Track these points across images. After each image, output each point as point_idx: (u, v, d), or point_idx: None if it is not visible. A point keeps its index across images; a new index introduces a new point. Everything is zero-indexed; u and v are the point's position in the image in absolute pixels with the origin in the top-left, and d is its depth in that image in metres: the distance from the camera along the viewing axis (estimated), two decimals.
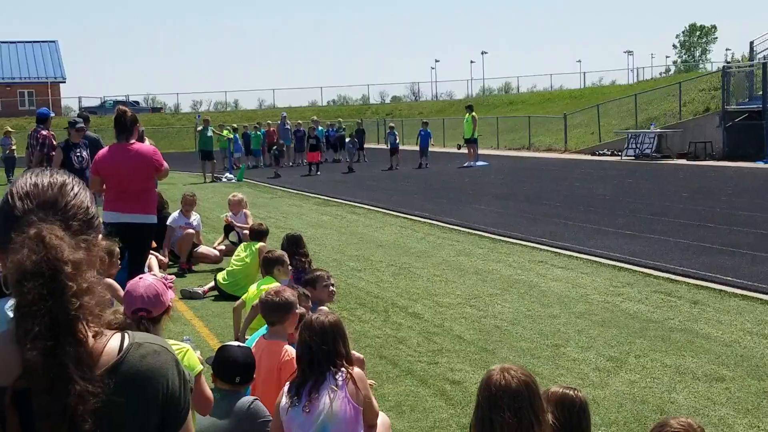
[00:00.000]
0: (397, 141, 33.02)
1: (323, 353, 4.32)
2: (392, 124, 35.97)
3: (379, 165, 33.40)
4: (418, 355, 7.38)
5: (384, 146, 37.56)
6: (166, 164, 8.68)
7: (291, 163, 36.72)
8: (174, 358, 1.84)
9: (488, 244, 13.34)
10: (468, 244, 13.39)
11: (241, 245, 10.58)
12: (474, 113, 32.56)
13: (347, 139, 33.93)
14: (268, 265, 7.74)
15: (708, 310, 8.57)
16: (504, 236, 14.02)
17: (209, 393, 4.49)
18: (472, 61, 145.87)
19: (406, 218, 16.94)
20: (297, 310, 5.45)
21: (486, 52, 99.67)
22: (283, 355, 5.20)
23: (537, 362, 6.99)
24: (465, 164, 31.38)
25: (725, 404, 5.91)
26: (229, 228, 12.52)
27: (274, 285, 6.61)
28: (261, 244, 10.18)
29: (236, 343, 5.23)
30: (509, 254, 12.35)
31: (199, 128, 30.50)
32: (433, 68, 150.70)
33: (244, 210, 12.52)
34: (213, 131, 30.15)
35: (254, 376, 5.00)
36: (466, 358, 7.21)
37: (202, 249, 12.24)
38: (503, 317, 8.59)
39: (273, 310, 5.41)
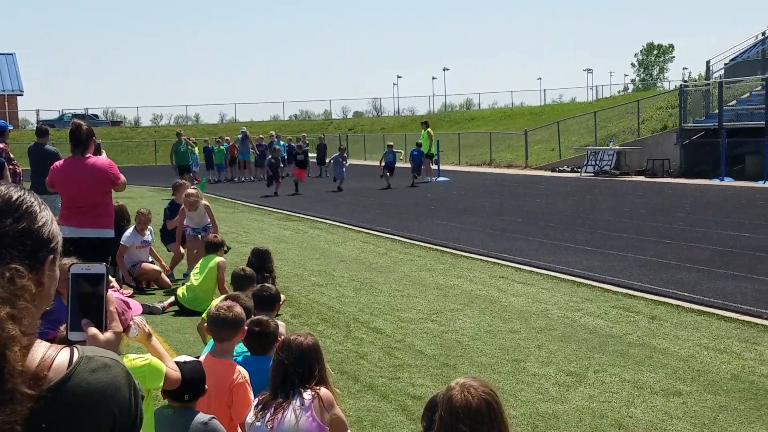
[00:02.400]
0: (396, 160, 30.73)
1: (297, 374, 4.32)
2: (391, 143, 32.61)
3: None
4: (380, 370, 7.38)
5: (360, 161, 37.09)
6: (123, 177, 8.56)
7: (252, 178, 36.66)
8: (125, 372, 1.80)
9: (450, 260, 13.39)
10: (430, 260, 13.44)
11: (201, 260, 10.47)
12: (429, 129, 32.72)
13: (336, 154, 30.40)
14: (242, 283, 7.72)
15: (666, 325, 8.67)
16: (465, 251, 14.08)
17: (175, 374, 4.37)
18: (434, 78, 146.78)
19: (368, 233, 16.96)
20: (246, 327, 5.39)
21: (448, 69, 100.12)
22: (236, 376, 5.06)
23: (497, 377, 7.02)
24: (425, 180, 31.50)
25: (682, 418, 5.98)
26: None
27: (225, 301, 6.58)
28: (220, 259, 10.12)
29: (182, 359, 5.04)
30: (470, 269, 12.40)
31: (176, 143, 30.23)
32: (395, 84, 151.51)
33: (203, 202, 11.75)
34: (188, 142, 29.94)
35: (202, 393, 4.86)
36: (428, 373, 7.23)
37: (145, 265, 11.98)
38: (464, 332, 8.63)
39: (224, 326, 5.24)
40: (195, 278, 10.10)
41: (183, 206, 11.82)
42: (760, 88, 31.53)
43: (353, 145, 59.25)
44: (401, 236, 16.23)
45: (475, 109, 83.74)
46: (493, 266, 12.67)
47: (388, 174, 29.25)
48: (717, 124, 30.67)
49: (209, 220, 11.73)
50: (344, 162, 29.96)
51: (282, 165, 38.48)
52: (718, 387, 6.62)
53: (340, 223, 18.83)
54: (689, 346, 7.81)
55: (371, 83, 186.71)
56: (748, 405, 6.18)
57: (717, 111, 31.21)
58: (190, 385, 4.68)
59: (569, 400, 6.44)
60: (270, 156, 29.33)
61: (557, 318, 9.14)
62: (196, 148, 35.85)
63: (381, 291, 10.96)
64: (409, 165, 32.01)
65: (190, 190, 11.82)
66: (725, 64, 35.42)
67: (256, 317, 5.71)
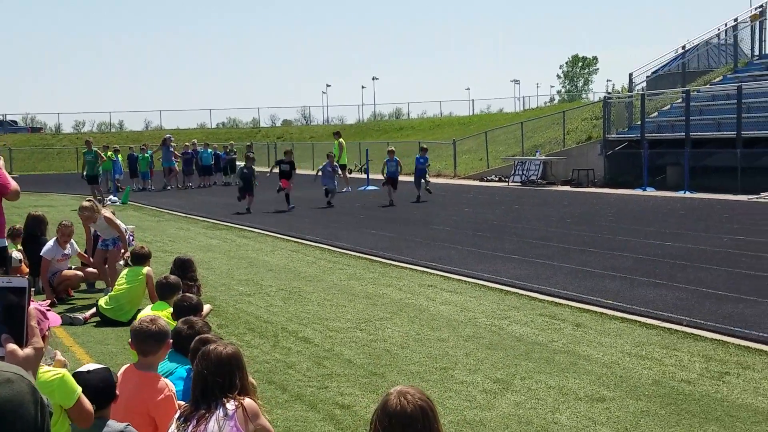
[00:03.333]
0: (399, 170, 26.46)
1: (217, 385, 4.27)
2: (392, 148, 28.13)
3: (266, 189, 33.09)
4: (308, 379, 7.36)
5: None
6: (13, 184, 8.03)
7: (179, 186, 36.26)
8: (30, 387, 1.73)
9: (379, 269, 13.42)
10: (359, 269, 13.44)
11: (126, 270, 10.31)
12: (341, 139, 32.71)
13: (325, 162, 26.35)
14: (165, 291, 7.61)
15: (590, 332, 8.82)
16: (394, 260, 14.12)
17: (89, 407, 4.28)
18: (363, 87, 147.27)
19: (297, 242, 16.90)
20: (170, 340, 5.29)
21: (377, 78, 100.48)
22: (161, 390, 4.96)
23: (426, 385, 7.06)
24: (342, 190, 30.98)
25: (605, 424, 6.09)
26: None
27: (149, 314, 6.48)
28: (148, 268, 9.99)
29: (86, 368, 4.87)
30: (399, 278, 12.45)
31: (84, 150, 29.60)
32: (324, 93, 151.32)
33: (104, 215, 11.30)
34: (97, 152, 29.42)
35: (112, 399, 4.75)
36: (356, 382, 7.23)
37: (65, 271, 11.63)
38: (393, 341, 8.65)
39: (148, 339, 5.13)
40: (119, 288, 9.94)
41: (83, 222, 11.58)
42: (680, 100, 32.35)
43: (283, 154, 58.92)
44: (330, 245, 16.22)
45: (405, 118, 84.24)
46: (422, 275, 12.74)
47: (391, 188, 25.47)
48: (639, 135, 31.36)
49: (117, 232, 11.43)
50: (336, 171, 26.54)
51: (210, 174, 38.37)
52: (639, 392, 6.76)
53: (269, 232, 18.73)
54: (612, 353, 7.96)
55: (300, 91, 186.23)
56: (669, 410, 6.32)
57: (639, 122, 31.91)
58: (99, 394, 4.54)
59: (496, 407, 6.51)
60: (243, 166, 25.82)
61: (485, 326, 9.23)
62: (120, 156, 35.38)
63: (310, 300, 10.93)
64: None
65: (84, 203, 11.39)
66: (647, 77, 36.25)
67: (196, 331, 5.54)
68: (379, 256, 14.62)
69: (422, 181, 26.72)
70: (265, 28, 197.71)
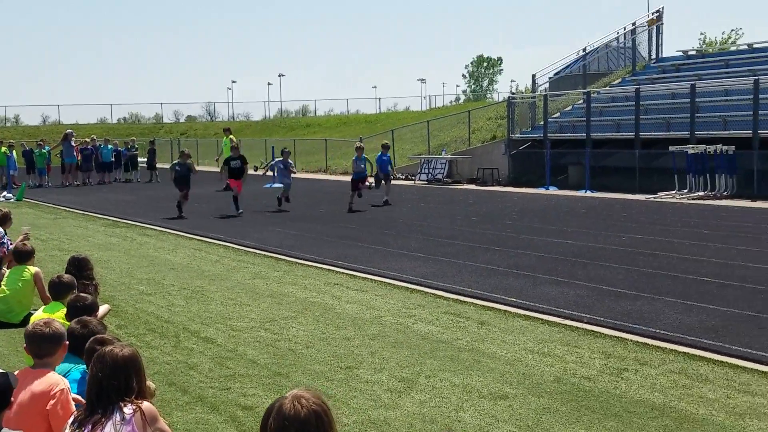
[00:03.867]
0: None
1: (113, 388, 4.12)
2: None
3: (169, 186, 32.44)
4: (210, 381, 7.22)
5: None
6: None
7: (77, 183, 35.35)
8: None
9: (284, 267, 13.30)
10: (264, 267, 13.30)
11: (11, 269, 9.91)
12: (232, 136, 32.35)
13: (279, 159, 24.25)
14: (59, 291, 7.35)
15: (494, 330, 8.90)
16: (300, 259, 14.02)
17: None
18: (269, 83, 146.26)
19: (200, 240, 16.63)
20: (67, 342, 5.11)
21: (283, 75, 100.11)
22: (56, 387, 4.74)
23: (330, 385, 7.00)
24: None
25: (508, 421, 6.13)
26: None
27: (42, 316, 6.26)
28: (34, 269, 9.66)
29: None
30: (305, 277, 12.36)
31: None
32: (229, 89, 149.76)
33: None
34: None
35: (6, 406, 4.55)
36: (260, 383, 7.12)
37: None
38: (298, 340, 8.56)
39: (42, 342, 4.90)
40: (6, 289, 9.55)
41: None
42: (581, 101, 33.05)
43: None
44: (235, 243, 16.01)
45: (311, 115, 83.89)
46: (328, 273, 12.67)
47: (370, 185, 23.56)
48: (542, 135, 31.93)
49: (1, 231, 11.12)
50: (292, 168, 24.00)
51: (110, 170, 37.48)
52: (541, 389, 6.84)
53: (171, 229, 18.38)
54: (516, 350, 8.04)
55: (205, 87, 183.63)
56: (570, 406, 6.41)
57: (542, 123, 32.49)
58: None
59: (401, 406, 6.49)
60: (176, 163, 22.59)
61: (390, 324, 9.22)
62: (15, 151, 34.29)
63: (213, 299, 10.75)
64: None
65: None
66: (550, 78, 36.93)
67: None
68: (284, 255, 14.49)
69: (384, 182, 24.45)
70: (168, 21, 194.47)
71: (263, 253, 14.81)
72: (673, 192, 25.18)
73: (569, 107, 34.77)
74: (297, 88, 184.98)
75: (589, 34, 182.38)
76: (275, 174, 24.05)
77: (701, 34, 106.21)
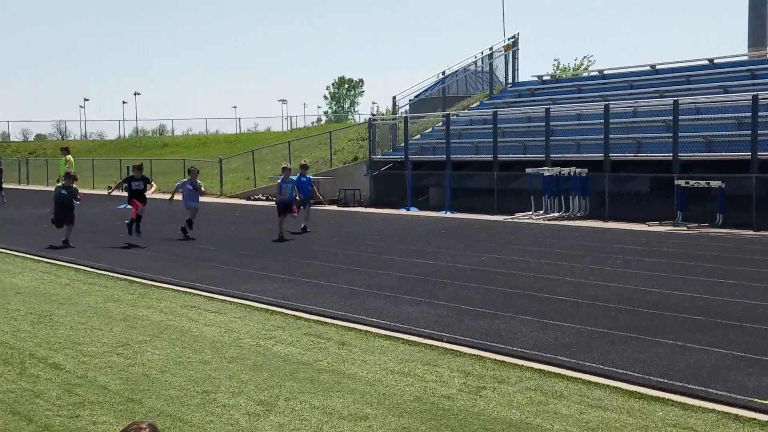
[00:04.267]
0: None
1: None
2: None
3: (17, 206, 31.15)
4: (58, 408, 6.86)
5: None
6: None
7: None
8: None
9: (139, 290, 12.89)
10: (117, 290, 12.85)
11: None
12: (69, 156, 31.34)
13: (185, 179, 21.42)
14: None
15: (355, 350, 8.84)
16: (156, 281, 13.63)
17: None
18: (124, 102, 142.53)
19: (49, 263, 15.94)
20: None
21: (139, 93, 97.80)
22: None
23: (186, 410, 6.77)
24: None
25: None
26: None
27: None
28: None
29: None
30: (161, 300, 12.00)
31: None
32: (81, 107, 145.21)
33: None
34: None
35: None
36: (111, 410, 6.81)
37: None
38: (152, 365, 8.27)
39: None
40: None
41: None
42: (441, 123, 33.65)
43: (35, 170, 55.99)
44: (86, 266, 15.42)
45: (169, 135, 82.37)
46: (185, 296, 12.35)
47: (283, 217, 20.28)
48: (403, 157, 32.31)
49: None
50: (201, 189, 21.20)
51: None
52: (402, 409, 6.81)
53: (18, 252, 17.57)
54: (376, 371, 8.00)
55: (55, 105, 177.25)
56: (429, 425, 6.40)
57: (403, 144, 32.88)
58: None
59: (259, 429, 6.33)
60: (62, 186, 19.37)
61: (249, 347, 9.03)
62: None
63: (62, 324, 10.28)
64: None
65: None
66: (410, 100, 37.45)
67: None
68: (139, 277, 14.06)
69: (302, 206, 21.69)
70: (14, 36, 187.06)
71: (116, 275, 14.32)
72: (530, 213, 25.89)
73: (429, 129, 35.34)
74: (154, 107, 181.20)
75: (448, 57, 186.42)
76: (183, 197, 21.03)
77: (555, 60, 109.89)
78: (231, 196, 38.19)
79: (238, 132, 77.15)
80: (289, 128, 79.73)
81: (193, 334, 9.70)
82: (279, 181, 21.09)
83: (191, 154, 52.33)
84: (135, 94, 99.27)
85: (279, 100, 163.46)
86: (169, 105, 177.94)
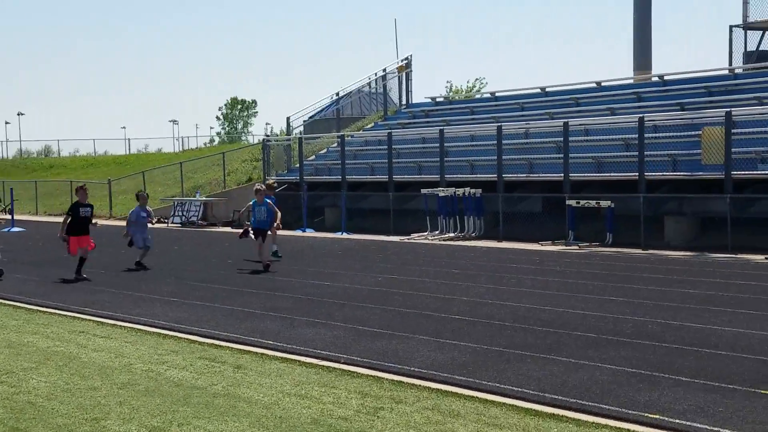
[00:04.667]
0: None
1: None
2: (272, 180, 21.43)
3: None
4: None
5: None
6: None
7: None
8: None
9: (24, 315, 12.41)
10: (1, 316, 12.34)
11: None
12: None
13: (135, 207, 18.84)
14: None
15: (250, 374, 8.68)
16: (42, 306, 13.16)
17: None
18: (7, 122, 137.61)
19: None
20: None
21: (23, 114, 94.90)
22: None
23: None
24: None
25: None
26: None
27: None
28: None
29: None
30: (48, 325, 11.58)
31: None
32: None
33: None
34: None
35: None
36: None
37: None
38: (38, 393, 7.94)
39: None
40: None
41: None
42: (336, 144, 33.68)
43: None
44: None
45: (55, 156, 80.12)
46: (73, 321, 11.95)
47: (261, 239, 18.26)
48: (298, 177, 32.19)
49: None
50: (150, 219, 19.03)
51: None
52: (299, 431, 6.70)
53: None
54: (273, 394, 7.87)
55: None
56: None
57: (298, 165, 32.77)
58: None
59: None
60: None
61: (141, 372, 8.77)
62: None
63: None
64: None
65: None
66: (304, 121, 37.40)
67: None
68: (24, 302, 13.54)
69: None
70: None
71: (0, 301, 13.76)
72: (426, 233, 26.09)
73: (324, 150, 35.34)
74: (38, 127, 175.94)
75: (343, 78, 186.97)
76: (134, 229, 18.61)
77: (448, 82, 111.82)
78: (120, 219, 37.29)
79: (127, 153, 75.65)
80: (181, 149, 78.58)
81: (82, 360, 9.37)
82: (250, 203, 18.75)
83: (79, 176, 50.99)
84: (18, 114, 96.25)
85: (170, 121, 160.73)
86: (54, 125, 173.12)
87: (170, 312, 12.48)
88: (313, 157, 34.88)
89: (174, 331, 11.06)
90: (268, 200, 18.82)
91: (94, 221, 17.22)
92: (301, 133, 36.09)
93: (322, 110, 37.99)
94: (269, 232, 18.80)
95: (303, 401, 7.61)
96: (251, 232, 18.82)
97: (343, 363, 9.12)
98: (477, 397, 7.66)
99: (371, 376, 8.55)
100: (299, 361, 9.28)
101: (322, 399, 7.68)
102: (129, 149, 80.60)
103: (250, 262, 19.31)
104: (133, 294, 14.33)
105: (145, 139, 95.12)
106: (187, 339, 10.55)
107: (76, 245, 16.75)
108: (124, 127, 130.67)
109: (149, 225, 18.87)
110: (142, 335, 10.86)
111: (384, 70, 38.57)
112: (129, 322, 11.76)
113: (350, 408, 7.37)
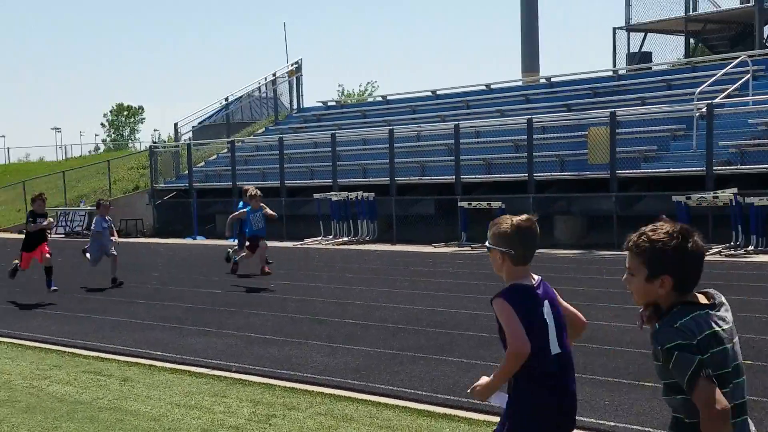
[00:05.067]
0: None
1: None
2: (255, 191, 16.84)
3: None
4: None
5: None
6: None
7: None
8: None
9: None
10: None
11: None
12: None
13: (97, 217, 16.95)
14: None
15: (138, 386, 8.41)
16: None
17: None
18: None
19: None
20: None
21: None
22: None
23: None
24: None
25: None
26: None
27: None
28: None
29: None
30: None
31: None
32: None
33: None
34: None
35: None
36: None
37: None
38: None
39: None
40: None
41: None
42: (226, 150, 33.24)
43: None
44: None
45: None
46: None
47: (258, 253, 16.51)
48: (188, 185, 31.63)
49: None
50: (111, 228, 16.83)
51: None
52: None
53: None
54: (161, 406, 7.64)
55: None
56: None
57: (187, 172, 32.21)
58: None
59: None
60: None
61: (22, 388, 8.40)
62: None
63: None
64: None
65: None
66: (193, 127, 36.84)
67: None
68: None
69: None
70: None
71: None
72: (319, 238, 25.96)
73: (214, 156, 34.86)
74: None
75: (233, 83, 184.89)
76: (93, 243, 16.73)
77: (340, 86, 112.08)
78: (2, 230, 35.98)
79: (7, 162, 73.07)
80: (64, 157, 76.35)
81: None
82: (245, 210, 16.74)
83: None
84: None
85: (53, 128, 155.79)
86: None
87: (53, 325, 12.04)
88: (203, 163, 34.35)
89: (57, 345, 10.66)
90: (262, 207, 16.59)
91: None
92: (190, 139, 35.50)
93: (211, 115, 37.47)
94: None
95: (192, 412, 7.42)
96: (246, 245, 16.91)
97: (234, 371, 8.94)
98: (370, 401, 7.61)
99: (263, 383, 8.40)
100: (189, 371, 9.06)
101: (212, 409, 7.50)
102: (9, 159, 77.86)
103: (140, 272, 18.81)
104: (12, 308, 13.80)
105: (26, 148, 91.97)
106: (71, 353, 10.18)
107: (27, 259, 15.62)
108: (3, 136, 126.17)
109: (112, 238, 16.59)
110: (23, 350, 10.43)
111: (274, 74, 38.29)
112: (8, 337, 11.30)
113: (241, 416, 7.22)
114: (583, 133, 23.11)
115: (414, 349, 9.65)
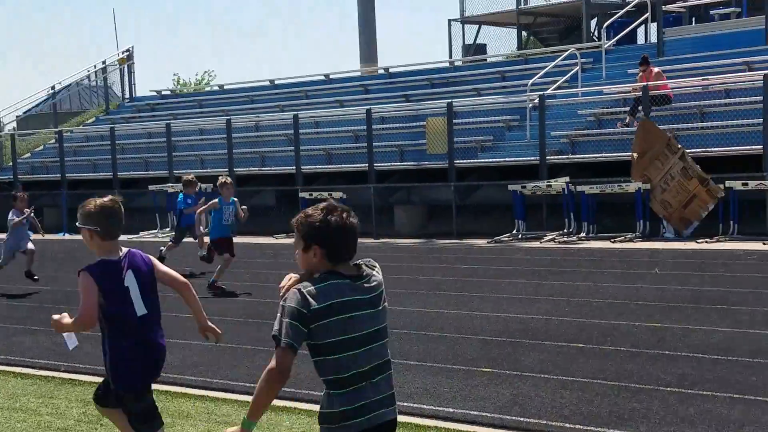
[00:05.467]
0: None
1: None
2: (225, 178, 14.20)
3: None
4: None
5: None
6: None
7: None
8: None
9: None
10: None
11: None
12: None
13: (26, 213, 14.88)
14: None
15: None
16: None
17: None
18: None
19: None
20: None
21: None
22: None
23: None
24: None
25: None
26: None
27: None
28: None
29: None
30: None
31: None
32: None
33: None
34: None
35: None
36: None
37: None
38: None
39: None
40: None
41: None
42: (54, 141, 31.87)
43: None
44: None
45: None
46: None
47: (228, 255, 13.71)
48: (12, 177, 30.19)
49: None
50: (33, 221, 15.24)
51: None
52: None
53: None
54: None
55: None
56: None
57: (11, 164, 30.75)
58: None
59: None
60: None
61: None
62: None
63: None
64: None
65: None
66: (18, 116, 35.12)
67: None
68: None
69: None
70: None
71: None
72: (156, 231, 25.28)
73: (41, 147, 33.38)
74: None
75: (60, 71, 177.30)
76: (10, 238, 14.71)
77: (175, 75, 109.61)
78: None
79: None
80: None
81: None
82: (214, 201, 13.81)
83: None
84: None
85: None
86: None
87: None
88: (29, 154, 32.83)
89: None
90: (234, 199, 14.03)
91: None
92: (13, 129, 33.80)
93: (38, 105, 35.80)
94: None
95: (18, 414, 7.01)
96: (208, 245, 14.71)
97: (63, 371, 8.53)
98: (208, 396, 7.42)
99: (94, 383, 8.01)
100: (14, 372, 8.59)
101: (39, 411, 7.12)
102: None
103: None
104: None
105: None
106: None
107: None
108: None
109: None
110: None
111: (104, 62, 36.83)
112: None
113: (70, 418, 6.89)
114: (421, 123, 23.42)
115: (253, 342, 9.49)
